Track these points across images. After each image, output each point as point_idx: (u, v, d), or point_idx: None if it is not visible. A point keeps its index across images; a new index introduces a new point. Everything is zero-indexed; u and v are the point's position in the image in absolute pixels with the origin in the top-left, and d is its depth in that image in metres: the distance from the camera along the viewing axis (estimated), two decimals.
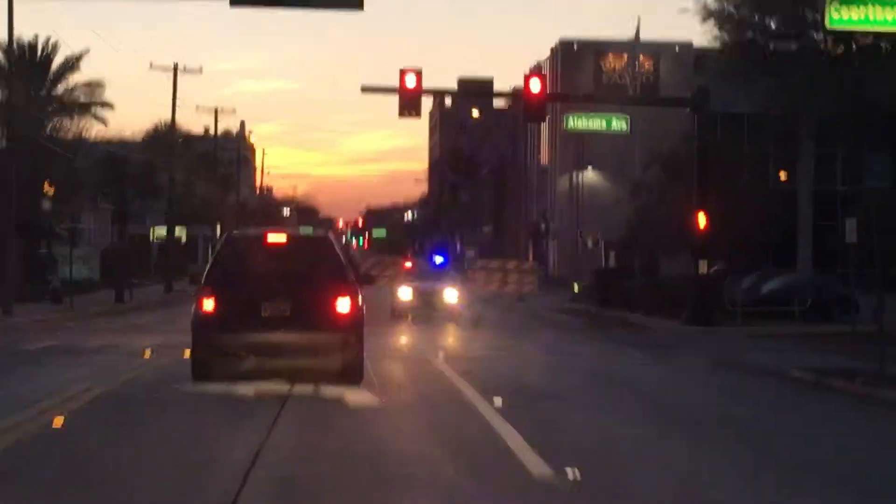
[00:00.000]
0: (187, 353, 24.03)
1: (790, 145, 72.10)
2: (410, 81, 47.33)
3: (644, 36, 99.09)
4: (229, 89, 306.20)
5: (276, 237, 24.52)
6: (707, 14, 49.86)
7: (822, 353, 33.90)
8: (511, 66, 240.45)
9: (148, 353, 30.07)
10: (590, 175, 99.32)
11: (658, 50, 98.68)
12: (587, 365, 29.52)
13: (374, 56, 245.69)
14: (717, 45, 52.29)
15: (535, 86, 48.27)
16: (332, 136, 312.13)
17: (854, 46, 50.36)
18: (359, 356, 23.78)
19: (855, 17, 25.47)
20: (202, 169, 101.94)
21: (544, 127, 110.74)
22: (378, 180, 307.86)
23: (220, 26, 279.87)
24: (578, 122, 49.98)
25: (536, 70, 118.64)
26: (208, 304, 23.25)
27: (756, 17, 50.08)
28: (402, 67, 47.33)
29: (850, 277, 65.41)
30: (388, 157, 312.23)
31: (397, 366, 27.99)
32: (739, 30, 49.73)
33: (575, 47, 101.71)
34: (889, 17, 25.51)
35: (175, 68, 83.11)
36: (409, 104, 47.45)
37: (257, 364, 23.40)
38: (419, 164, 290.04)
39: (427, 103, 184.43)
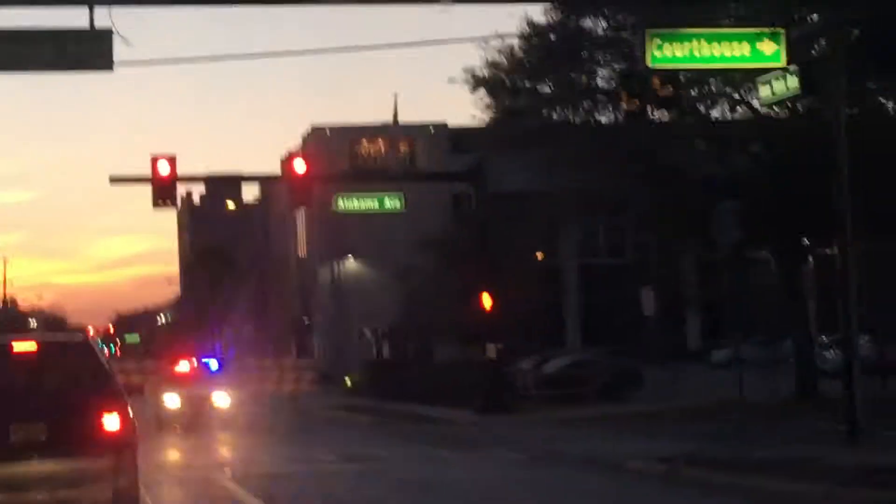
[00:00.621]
0: None
1: (560, 221, 70.10)
2: (163, 168, 43.22)
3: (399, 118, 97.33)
4: None
5: (23, 345, 20.28)
6: (477, 83, 46.85)
7: (642, 437, 31.03)
8: (264, 155, 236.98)
9: None
10: (351, 263, 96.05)
11: (414, 132, 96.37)
12: (396, 472, 25.58)
13: (117, 151, 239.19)
14: (486, 116, 49.36)
15: (300, 166, 44.62)
16: (77, 243, 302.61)
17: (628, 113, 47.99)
18: (134, 483, 19.65)
19: (679, 53, 22.67)
20: None
21: (301, 217, 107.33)
22: (127, 286, 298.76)
23: None
24: (349, 203, 46.41)
25: (291, 156, 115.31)
26: None
27: (528, 84, 47.23)
28: (153, 154, 43.39)
29: (629, 353, 64.62)
30: (135, 261, 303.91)
31: (180, 491, 23.62)
32: (512, 97, 46.85)
33: (328, 133, 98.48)
34: (715, 53, 22.79)
35: None
36: (163, 192, 43.33)
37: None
38: (168, 266, 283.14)
39: (178, 196, 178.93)
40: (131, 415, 19.56)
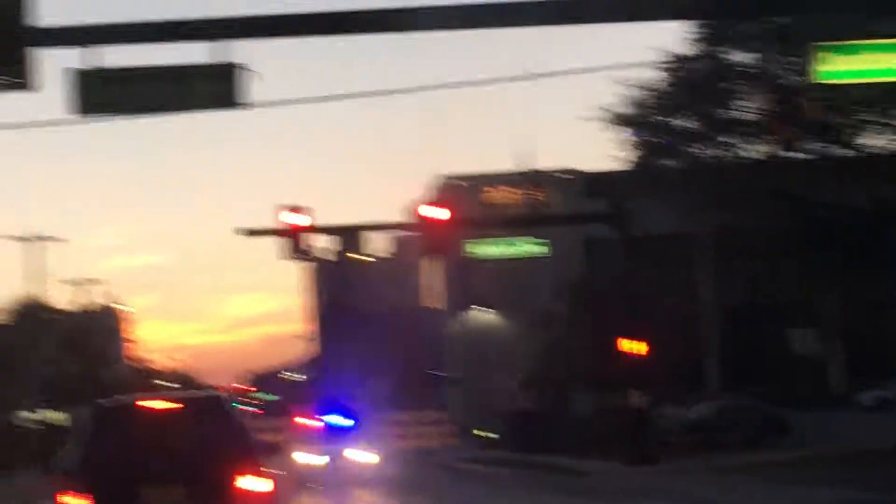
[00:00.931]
0: None
1: (701, 263, 67.97)
2: (293, 220, 42.22)
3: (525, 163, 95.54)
4: (100, 267, 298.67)
5: (156, 403, 19.02)
6: (614, 120, 44.98)
7: (796, 486, 28.97)
8: (388, 204, 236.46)
9: None
10: (483, 313, 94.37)
11: (544, 178, 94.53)
12: None
13: (238, 206, 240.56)
14: (625, 155, 47.41)
15: (438, 213, 43.34)
16: (207, 303, 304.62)
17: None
18: None
19: (849, 67, 20.79)
20: (73, 344, 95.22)
21: (431, 268, 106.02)
22: (257, 344, 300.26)
23: (81, 204, 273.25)
24: (487, 249, 44.78)
25: (421, 205, 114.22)
26: (70, 501, 17.44)
27: (669, 120, 45.22)
28: (281, 206, 42.34)
29: (772, 395, 62.11)
30: (264, 320, 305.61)
31: None
32: (652, 134, 44.89)
33: (456, 180, 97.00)
34: (892, 66, 20.82)
35: (32, 238, 77.13)
36: (293, 244, 42.28)
37: None
38: (297, 323, 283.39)
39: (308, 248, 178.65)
40: (272, 475, 18.14)
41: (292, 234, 42.11)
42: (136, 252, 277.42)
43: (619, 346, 45.34)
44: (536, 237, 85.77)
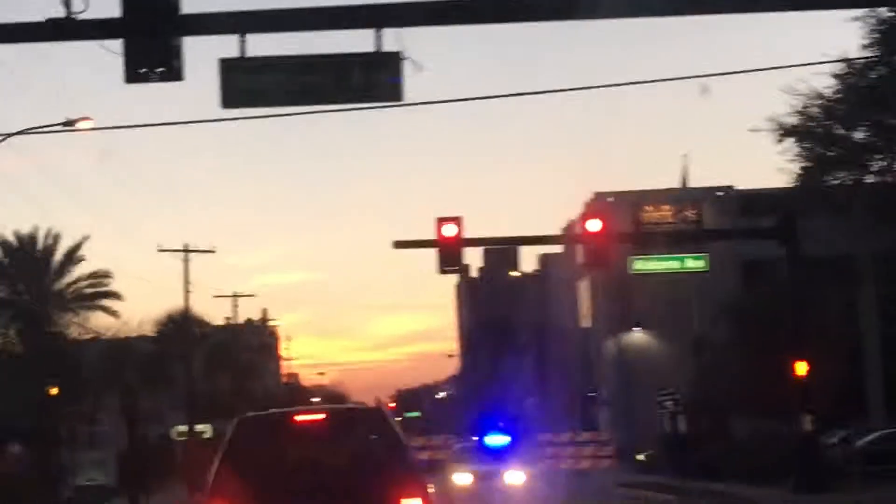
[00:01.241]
0: None
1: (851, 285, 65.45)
2: (449, 231, 40.81)
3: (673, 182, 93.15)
4: (250, 283, 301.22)
5: (310, 416, 17.49)
6: (784, 133, 42.93)
7: None
8: (541, 222, 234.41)
9: None
10: (638, 334, 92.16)
11: (700, 195, 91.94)
12: None
13: (393, 222, 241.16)
14: (794, 168, 45.18)
15: (596, 226, 41.58)
16: (357, 321, 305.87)
17: None
18: None
19: None
20: (222, 358, 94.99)
21: (584, 286, 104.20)
22: (406, 363, 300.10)
23: (233, 223, 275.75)
24: (646, 265, 42.90)
25: (576, 222, 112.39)
26: None
27: (842, 132, 42.96)
28: (438, 217, 40.97)
29: None
30: (414, 339, 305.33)
31: None
32: (824, 145, 42.69)
33: (610, 199, 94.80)
34: None
35: (186, 250, 76.86)
36: (448, 257, 40.90)
37: None
38: (445, 343, 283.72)
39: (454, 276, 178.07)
40: (432, 497, 16.61)
41: (448, 247, 40.71)
42: (289, 269, 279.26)
43: (786, 368, 43.19)
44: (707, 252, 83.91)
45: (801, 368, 42.30)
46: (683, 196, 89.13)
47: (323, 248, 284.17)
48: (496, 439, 47.80)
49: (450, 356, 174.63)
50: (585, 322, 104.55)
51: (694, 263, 42.44)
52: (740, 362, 61.51)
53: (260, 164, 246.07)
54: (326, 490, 16.01)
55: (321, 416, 17.22)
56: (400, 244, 42.90)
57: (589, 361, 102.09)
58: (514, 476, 42.39)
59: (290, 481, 16.21)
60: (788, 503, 38.70)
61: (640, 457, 66.16)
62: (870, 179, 45.56)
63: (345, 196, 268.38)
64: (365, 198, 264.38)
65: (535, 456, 49.53)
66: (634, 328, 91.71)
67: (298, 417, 17.26)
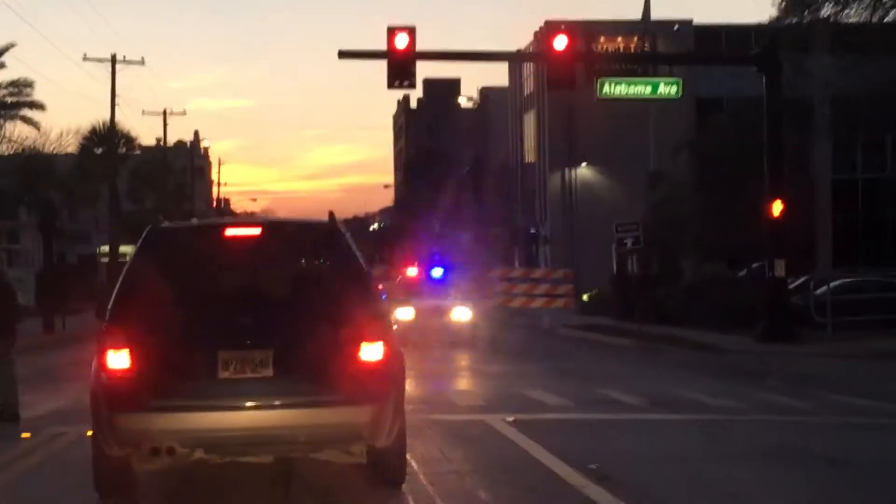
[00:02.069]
0: None
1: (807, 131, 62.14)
2: (401, 41, 36.93)
3: (631, 14, 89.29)
4: (182, 105, 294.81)
5: (242, 229, 13.56)
6: None
7: None
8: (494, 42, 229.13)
9: (28, 435, 18.26)
10: (586, 170, 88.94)
11: (655, 29, 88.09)
12: (748, 431, 17.77)
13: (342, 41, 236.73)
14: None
15: (560, 43, 37.93)
16: (291, 151, 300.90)
17: None
18: (400, 439, 13.17)
19: None
20: (151, 178, 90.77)
21: (529, 120, 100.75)
22: (339, 193, 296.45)
23: (167, 46, 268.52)
24: (616, 89, 39.22)
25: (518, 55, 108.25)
26: (117, 360, 12.41)
27: None
28: (390, 26, 37.09)
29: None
30: (348, 170, 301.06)
31: (452, 445, 16.27)
32: None
33: (562, 27, 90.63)
34: None
35: (114, 59, 72.28)
36: (399, 69, 37.10)
37: (212, 465, 12.66)
38: (382, 176, 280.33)
39: (392, 105, 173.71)
40: (395, 342, 13.02)
41: (400, 58, 36.87)
42: (223, 95, 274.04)
43: (749, 210, 39.94)
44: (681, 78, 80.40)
45: (777, 209, 39.02)
46: (637, 28, 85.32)
47: (259, 74, 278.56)
48: (438, 272, 44.44)
49: (386, 187, 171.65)
50: (530, 157, 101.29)
51: (666, 89, 38.73)
52: (697, 201, 58.68)
53: None
54: (260, 327, 12.43)
55: (256, 231, 13.37)
56: (346, 54, 38.96)
57: (532, 197, 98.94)
58: (460, 312, 39.02)
59: (213, 312, 12.64)
60: (753, 352, 35.57)
61: (585, 297, 63.06)
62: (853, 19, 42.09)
63: (286, 18, 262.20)
64: (308, 21, 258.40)
65: (484, 293, 46.30)
66: (582, 163, 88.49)
67: (228, 231, 13.51)
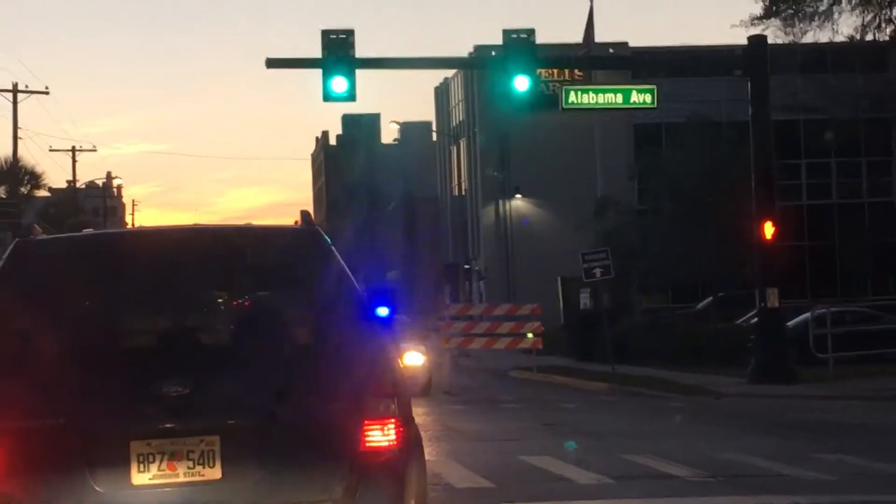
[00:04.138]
0: None
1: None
2: (338, 45, 32.09)
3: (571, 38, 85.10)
4: (96, 150, 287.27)
5: (167, 239, 8.86)
6: None
7: None
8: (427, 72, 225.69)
9: None
10: (520, 202, 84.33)
11: (596, 50, 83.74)
12: None
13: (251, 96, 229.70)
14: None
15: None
16: (206, 195, 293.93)
17: None
18: None
19: None
20: (58, 218, 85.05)
21: (458, 150, 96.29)
22: None
23: (85, 93, 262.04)
24: (583, 98, 34.45)
25: (444, 87, 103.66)
26: None
27: None
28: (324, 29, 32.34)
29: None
30: (266, 212, 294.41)
31: None
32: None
33: (493, 54, 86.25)
34: None
35: (15, 88, 66.75)
36: (336, 78, 32.18)
37: None
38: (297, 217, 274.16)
39: (310, 145, 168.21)
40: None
41: (336, 63, 31.97)
42: (137, 138, 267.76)
43: (752, 233, 35.35)
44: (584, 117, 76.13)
45: (769, 231, 34.36)
46: (576, 50, 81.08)
47: (174, 118, 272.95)
48: (384, 311, 39.15)
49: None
50: (460, 189, 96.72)
51: (640, 97, 33.98)
52: (654, 229, 54.42)
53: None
54: (201, 396, 7.68)
55: (192, 241, 8.73)
56: (275, 62, 33.85)
57: (464, 232, 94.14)
58: (413, 357, 33.91)
59: (118, 373, 7.80)
60: (757, 396, 30.75)
61: (530, 335, 57.96)
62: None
63: (202, 62, 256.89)
64: (227, 62, 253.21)
65: (437, 333, 41.24)
66: (516, 195, 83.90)
67: (143, 243, 8.86)
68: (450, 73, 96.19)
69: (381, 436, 7.74)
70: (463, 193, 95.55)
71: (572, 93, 34.79)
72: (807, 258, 79.52)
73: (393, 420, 7.77)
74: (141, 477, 7.57)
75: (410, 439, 8.01)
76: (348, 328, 8.04)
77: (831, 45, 45.75)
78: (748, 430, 21.95)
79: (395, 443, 7.77)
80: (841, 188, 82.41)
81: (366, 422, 7.70)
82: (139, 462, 7.57)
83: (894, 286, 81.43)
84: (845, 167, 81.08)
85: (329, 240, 8.79)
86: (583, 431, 21.51)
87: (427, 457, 18.19)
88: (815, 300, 56.93)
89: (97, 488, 7.48)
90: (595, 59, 40.68)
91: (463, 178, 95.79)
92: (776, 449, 18.22)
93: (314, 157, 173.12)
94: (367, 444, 7.71)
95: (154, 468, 7.59)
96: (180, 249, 8.50)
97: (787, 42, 34.20)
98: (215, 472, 7.61)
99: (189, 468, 7.61)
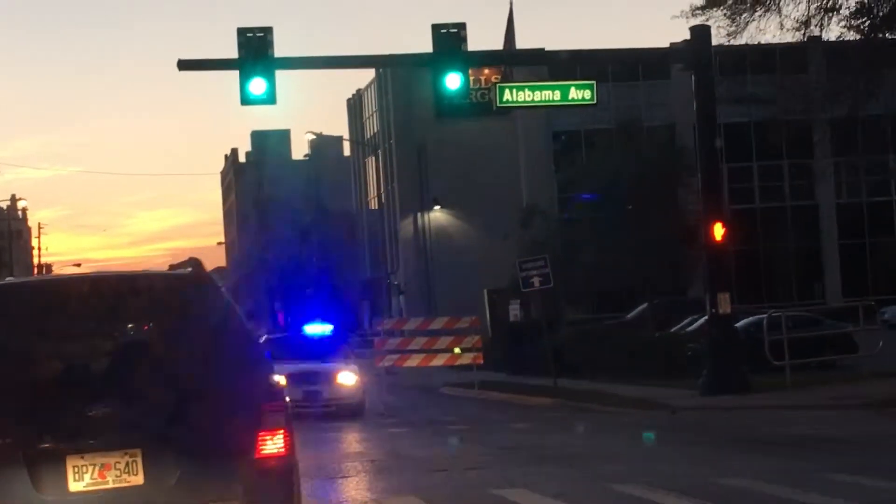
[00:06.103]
0: None
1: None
2: (256, 44, 29.92)
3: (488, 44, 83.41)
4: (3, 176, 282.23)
5: (78, 286, 10.43)
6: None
7: None
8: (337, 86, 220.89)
9: None
10: (440, 213, 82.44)
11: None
12: None
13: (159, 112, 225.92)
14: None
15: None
16: (115, 218, 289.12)
17: None
18: None
19: None
20: None
21: (373, 163, 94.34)
22: (164, 259, 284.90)
23: None
24: (518, 95, 32.48)
25: (356, 98, 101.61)
26: None
27: None
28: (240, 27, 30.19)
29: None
30: (173, 234, 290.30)
31: None
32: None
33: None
34: None
35: None
36: (254, 79, 30.01)
37: None
38: (210, 238, 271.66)
39: (219, 161, 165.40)
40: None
41: (254, 62, 29.75)
42: (43, 162, 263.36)
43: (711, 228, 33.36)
44: (502, 127, 74.49)
45: (718, 232, 32.51)
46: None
47: (81, 140, 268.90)
48: (317, 328, 37.01)
49: (219, 244, 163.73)
50: (376, 203, 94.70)
51: (579, 94, 32.06)
52: (584, 237, 52.90)
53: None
54: (125, 417, 9.43)
55: (100, 288, 10.17)
56: (187, 64, 31.51)
57: (381, 246, 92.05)
58: (345, 377, 31.75)
59: (51, 401, 9.46)
60: (715, 409, 28.84)
61: (457, 350, 55.84)
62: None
63: (107, 81, 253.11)
64: (133, 83, 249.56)
65: (367, 351, 39.00)
66: (435, 206, 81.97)
67: (62, 289, 10.33)
68: (362, 83, 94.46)
69: (272, 444, 9.56)
70: (379, 207, 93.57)
71: (507, 90, 32.80)
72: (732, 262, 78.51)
73: (281, 430, 9.59)
74: (77, 485, 9.29)
75: (293, 446, 9.78)
76: (241, 356, 9.77)
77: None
78: (730, 448, 19.89)
79: (283, 450, 9.60)
80: (763, 193, 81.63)
81: (259, 433, 9.50)
82: (74, 472, 9.28)
83: (819, 291, 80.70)
84: (768, 171, 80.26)
85: (218, 282, 10.24)
86: (549, 457, 19.29)
87: (382, 492, 16.11)
88: (742, 305, 55.76)
89: (41, 496, 9.17)
90: (532, 55, 38.32)
91: (381, 191, 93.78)
92: (777, 471, 16.21)
93: (223, 174, 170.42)
94: (261, 452, 9.52)
95: (87, 477, 9.31)
96: (92, 296, 9.90)
97: (730, 33, 32.07)
98: (138, 479, 9.33)
99: (116, 476, 9.34)
